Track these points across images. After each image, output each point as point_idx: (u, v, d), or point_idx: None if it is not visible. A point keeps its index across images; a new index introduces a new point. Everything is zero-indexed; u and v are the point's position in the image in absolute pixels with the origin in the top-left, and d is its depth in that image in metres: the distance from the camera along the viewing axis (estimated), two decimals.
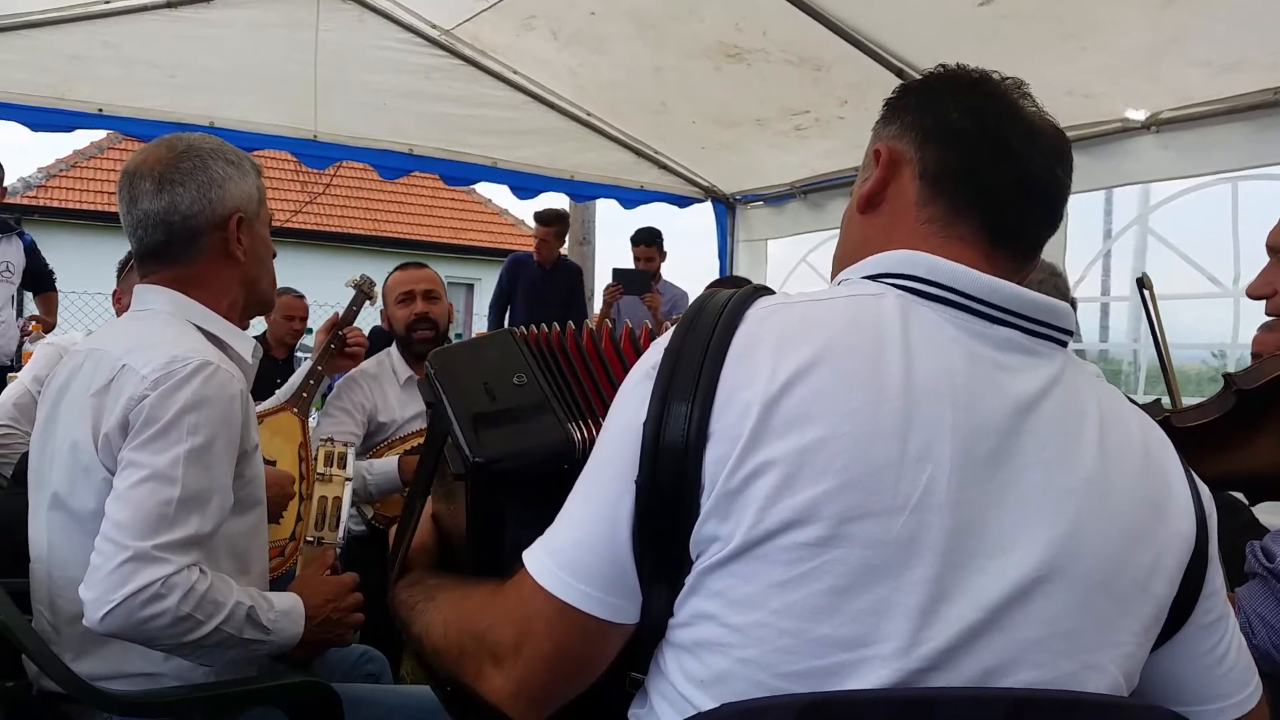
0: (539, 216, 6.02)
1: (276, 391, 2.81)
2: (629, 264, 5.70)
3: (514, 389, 1.04)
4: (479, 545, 1.08)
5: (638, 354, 1.10)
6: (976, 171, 0.96)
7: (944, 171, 0.97)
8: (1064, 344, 0.93)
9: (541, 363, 1.11)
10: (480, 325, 14.19)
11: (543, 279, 6.04)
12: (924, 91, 1.02)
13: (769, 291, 0.94)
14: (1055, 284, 2.39)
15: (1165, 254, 4.39)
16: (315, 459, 2.54)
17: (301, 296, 5.42)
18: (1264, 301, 1.53)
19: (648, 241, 5.78)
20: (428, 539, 1.18)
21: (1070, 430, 0.88)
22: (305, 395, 2.71)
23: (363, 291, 2.98)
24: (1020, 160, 0.95)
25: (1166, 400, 2.13)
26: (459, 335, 3.91)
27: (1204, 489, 0.97)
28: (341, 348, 2.89)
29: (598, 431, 1.04)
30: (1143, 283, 2.10)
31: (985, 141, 0.96)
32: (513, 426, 1.01)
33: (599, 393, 1.09)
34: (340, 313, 2.94)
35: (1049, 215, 0.99)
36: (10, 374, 4.04)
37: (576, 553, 0.88)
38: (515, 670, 0.91)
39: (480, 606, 0.97)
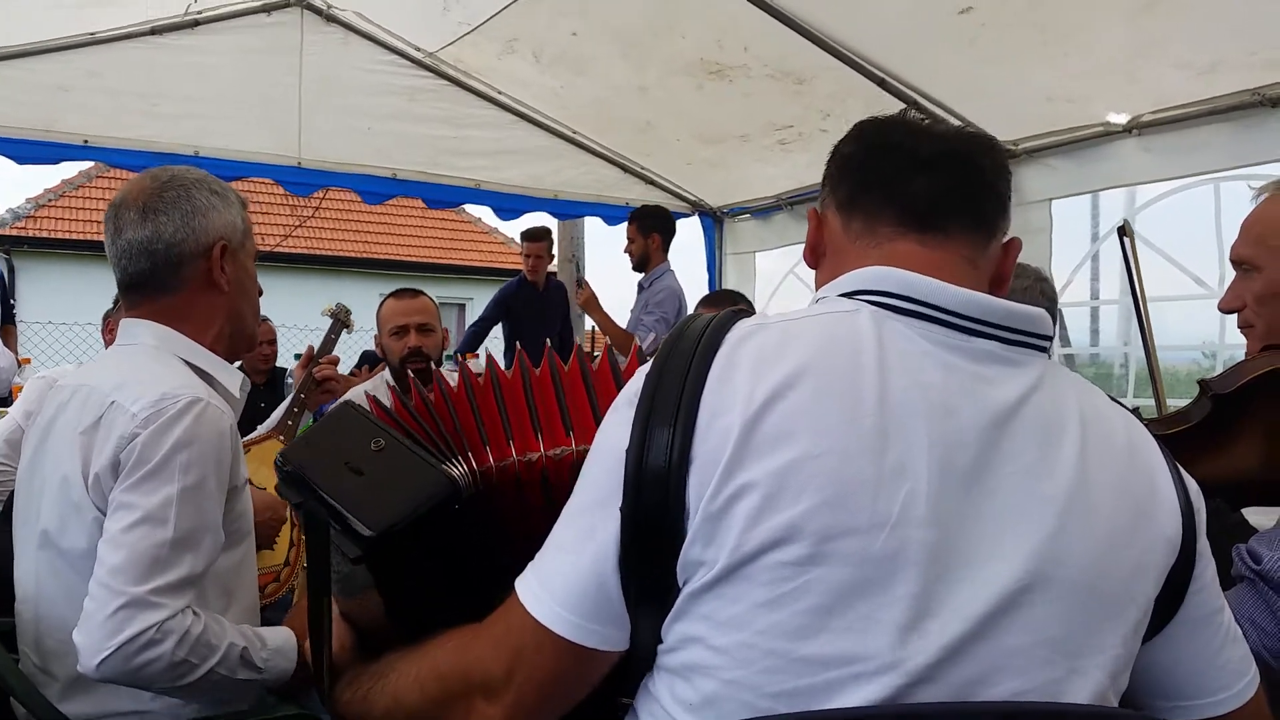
0: (527, 234, 5.94)
1: (267, 420, 2.83)
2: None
3: (375, 456, 1.02)
4: (403, 612, 1.07)
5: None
6: (872, 175, 1.02)
7: (850, 192, 1.03)
8: (1044, 350, 0.94)
9: (394, 420, 1.10)
10: None
11: (538, 300, 5.92)
12: (830, 156, 1.08)
13: (747, 314, 0.95)
14: (1042, 289, 2.39)
15: (1151, 256, 4.40)
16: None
17: (266, 319, 5.39)
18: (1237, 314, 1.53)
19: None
20: (346, 639, 1.16)
21: (1050, 437, 0.89)
22: (291, 423, 2.72)
23: (339, 320, 3.00)
24: (905, 150, 1.00)
25: (1150, 406, 2.14)
26: (450, 356, 3.90)
27: (1192, 485, 0.97)
28: (316, 387, 2.90)
29: (477, 463, 1.06)
30: (1123, 230, 2.11)
31: (870, 149, 1.03)
32: (390, 489, 0.98)
33: (477, 425, 1.09)
34: (316, 346, 2.96)
35: (963, 180, 0.99)
36: (1, 409, 4.02)
37: (564, 582, 0.89)
38: (508, 697, 0.91)
39: (459, 649, 0.96)
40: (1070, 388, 0.94)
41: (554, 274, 6.10)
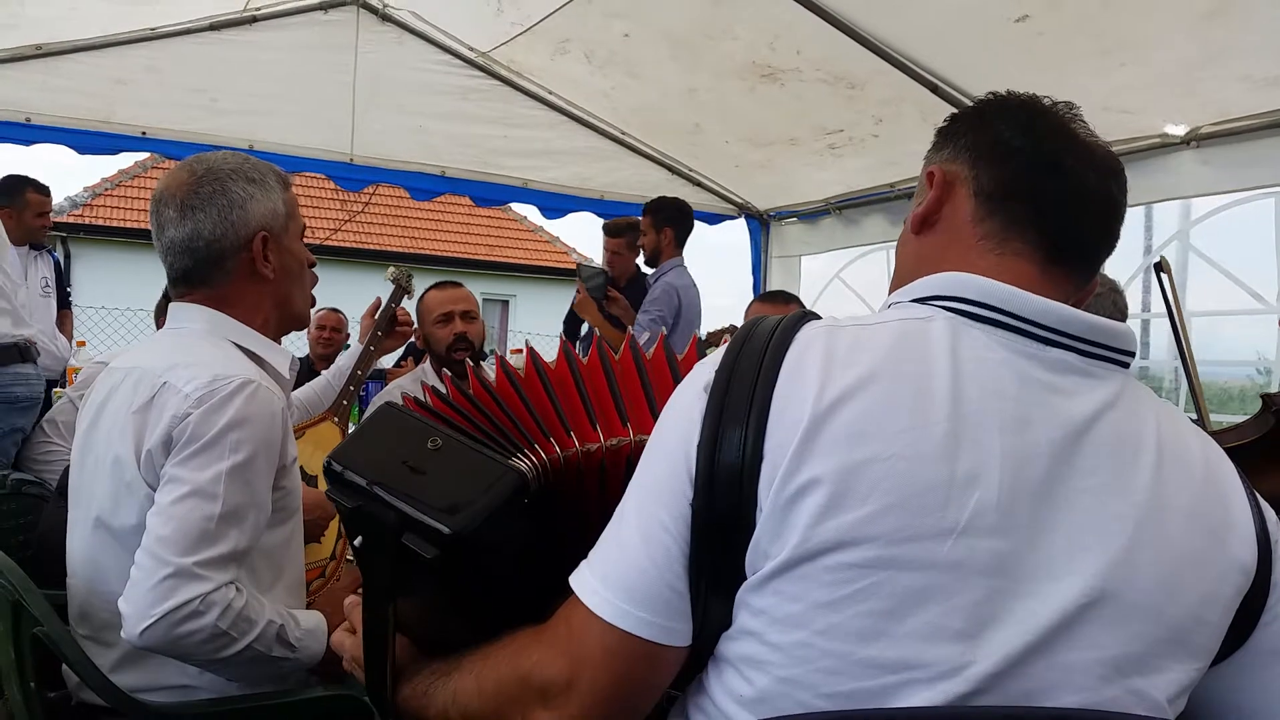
0: (605, 228, 5.29)
1: (310, 381, 2.87)
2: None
3: (434, 454, 0.99)
4: (470, 612, 1.05)
5: (535, 372, 1.12)
6: (1031, 187, 0.97)
7: (999, 188, 0.98)
8: (1124, 365, 0.92)
9: (450, 417, 1.07)
10: (515, 341, 14.23)
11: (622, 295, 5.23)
12: (976, 116, 1.04)
13: (816, 316, 0.95)
14: (1115, 300, 2.36)
15: (1206, 270, 4.34)
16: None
17: (336, 311, 5.48)
18: None
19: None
20: (405, 642, 1.09)
21: (1125, 454, 0.87)
22: (345, 403, 2.74)
23: (400, 286, 3.01)
24: (1074, 176, 0.96)
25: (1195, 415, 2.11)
26: (492, 351, 3.91)
27: (1270, 514, 0.95)
28: (390, 329, 2.93)
29: (541, 455, 1.04)
30: (1160, 266, 2.08)
31: (1039, 158, 0.97)
32: (458, 487, 0.96)
33: (534, 418, 1.08)
34: (383, 298, 2.99)
35: (1105, 232, 0.99)
36: (56, 389, 4.12)
37: (630, 578, 0.87)
38: (570, 707, 0.88)
39: (519, 650, 0.94)
40: (1149, 406, 0.92)
41: (639, 268, 5.32)
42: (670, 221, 4.71)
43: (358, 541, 1.01)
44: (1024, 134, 0.99)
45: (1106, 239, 0.99)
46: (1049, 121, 1.00)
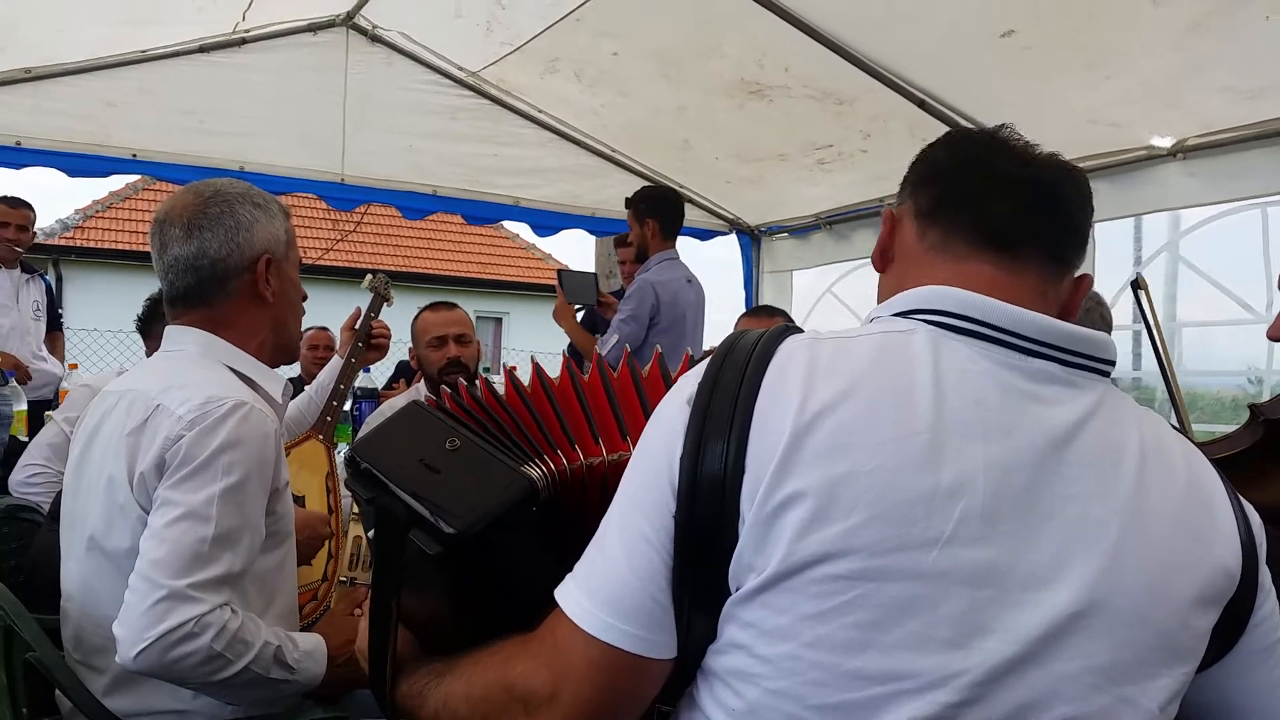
0: (615, 241, 5.22)
1: (294, 399, 2.81)
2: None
3: (451, 455, 1.02)
4: (471, 614, 1.06)
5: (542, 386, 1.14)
6: (955, 188, 1.00)
7: (932, 202, 1.02)
8: (1105, 374, 0.93)
9: (466, 421, 1.10)
10: (510, 359, 14.23)
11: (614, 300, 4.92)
12: (919, 157, 1.08)
13: (799, 330, 0.96)
14: (1101, 313, 2.37)
15: (1196, 280, 4.36)
16: (352, 498, 2.51)
17: (325, 329, 5.50)
18: None
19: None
20: (409, 637, 1.12)
21: (1108, 462, 0.88)
22: (330, 419, 2.70)
23: (379, 294, 2.95)
24: (997, 168, 0.99)
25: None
26: (486, 369, 3.90)
27: (1254, 516, 0.96)
28: (368, 341, 2.88)
29: (554, 465, 1.06)
30: (1137, 284, 2.09)
31: (963, 164, 1.02)
32: (470, 488, 0.99)
33: (541, 430, 1.10)
34: (363, 309, 2.92)
35: (1049, 213, 0.97)
36: (47, 412, 4.10)
37: (613, 590, 0.88)
38: (553, 718, 0.89)
39: (507, 659, 0.94)
40: (1130, 414, 0.93)
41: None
42: (652, 212, 4.30)
43: (370, 533, 1.04)
44: (949, 150, 1.04)
45: (1049, 215, 0.97)
46: (975, 137, 1.05)
